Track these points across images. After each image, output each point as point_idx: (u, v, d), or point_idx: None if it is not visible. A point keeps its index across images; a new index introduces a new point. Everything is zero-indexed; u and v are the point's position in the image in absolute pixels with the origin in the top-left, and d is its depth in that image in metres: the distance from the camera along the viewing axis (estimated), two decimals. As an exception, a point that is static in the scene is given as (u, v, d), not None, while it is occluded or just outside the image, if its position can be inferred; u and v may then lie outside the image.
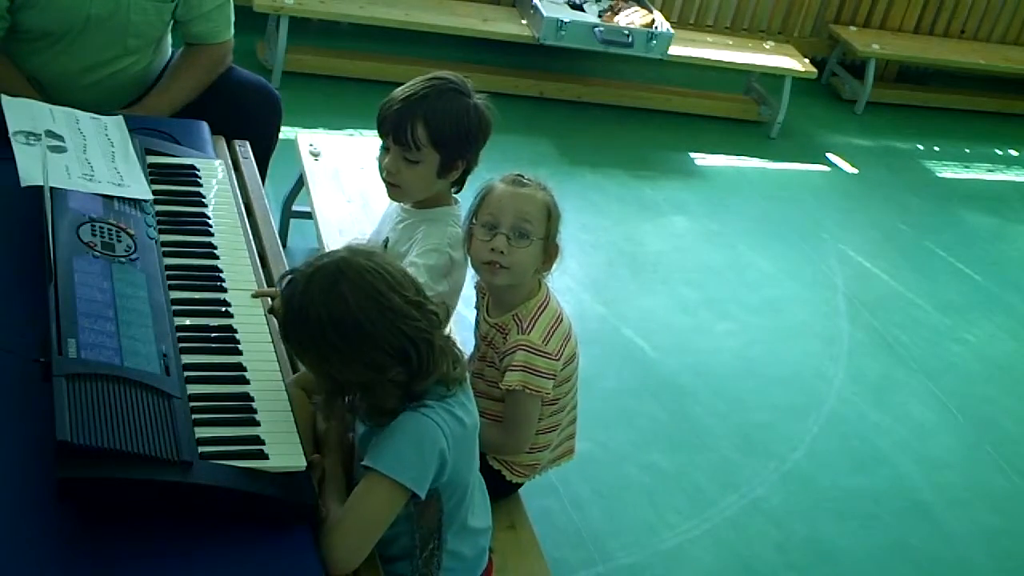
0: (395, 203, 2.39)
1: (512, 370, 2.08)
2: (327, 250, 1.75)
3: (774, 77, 5.30)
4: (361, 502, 1.63)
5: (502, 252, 2.05)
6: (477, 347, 2.24)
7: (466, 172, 2.29)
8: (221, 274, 1.97)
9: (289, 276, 1.67)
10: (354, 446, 1.81)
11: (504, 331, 2.13)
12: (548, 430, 2.24)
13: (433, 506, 1.73)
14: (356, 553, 1.61)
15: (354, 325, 1.58)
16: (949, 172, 5.55)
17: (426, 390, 1.67)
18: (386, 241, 2.34)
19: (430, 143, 2.19)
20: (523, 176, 2.13)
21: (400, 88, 2.25)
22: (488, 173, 2.27)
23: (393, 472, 1.61)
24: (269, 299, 1.98)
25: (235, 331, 1.83)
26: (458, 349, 1.75)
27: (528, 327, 2.10)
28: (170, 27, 2.84)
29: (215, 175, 2.29)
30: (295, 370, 1.92)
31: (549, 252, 2.11)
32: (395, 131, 2.20)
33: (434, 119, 2.19)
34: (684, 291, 3.97)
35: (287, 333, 1.67)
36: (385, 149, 2.26)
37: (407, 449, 1.63)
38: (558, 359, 2.11)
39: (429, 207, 2.30)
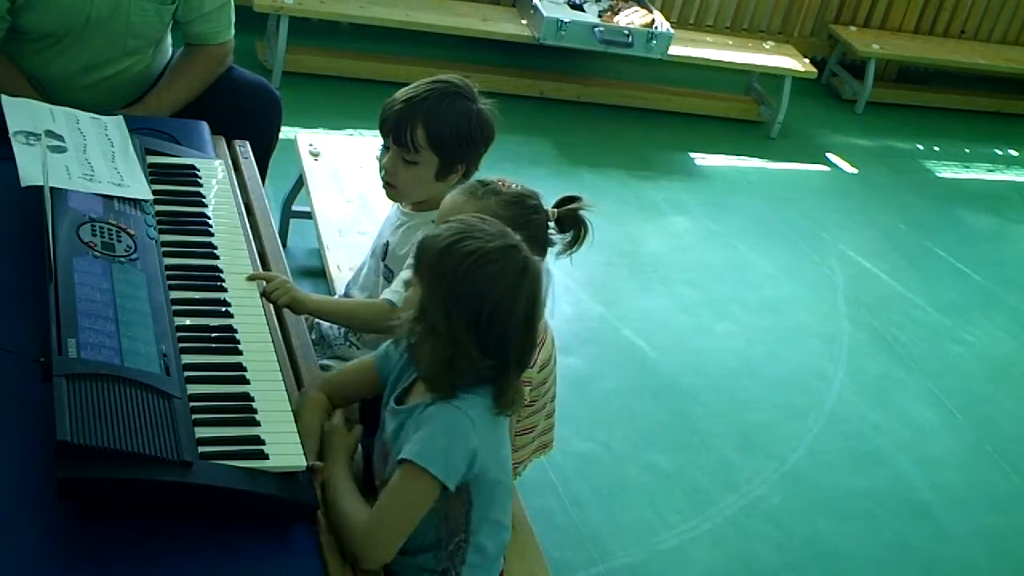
0: (395, 206, 2.38)
1: None
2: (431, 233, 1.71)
3: (774, 77, 5.30)
4: (396, 495, 1.65)
5: None
6: None
7: (466, 176, 2.28)
8: (221, 274, 1.97)
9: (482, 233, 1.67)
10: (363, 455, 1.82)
11: None
12: (525, 431, 2.22)
13: (462, 500, 1.73)
14: (392, 547, 1.64)
15: (492, 313, 1.63)
16: (949, 172, 5.55)
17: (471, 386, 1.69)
18: (386, 245, 2.32)
19: (429, 146, 2.20)
20: (488, 185, 2.02)
21: (403, 89, 2.25)
22: (487, 173, 2.26)
23: (424, 461, 1.62)
24: (264, 282, 1.98)
25: (235, 331, 1.83)
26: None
27: None
28: (170, 27, 2.84)
29: (215, 175, 2.28)
30: (295, 371, 1.91)
31: None
32: (395, 131, 2.21)
33: (434, 122, 2.19)
34: (684, 291, 3.97)
35: (433, 269, 1.66)
36: (386, 148, 2.26)
37: (438, 440, 1.65)
38: (532, 366, 2.06)
39: (429, 209, 2.30)
